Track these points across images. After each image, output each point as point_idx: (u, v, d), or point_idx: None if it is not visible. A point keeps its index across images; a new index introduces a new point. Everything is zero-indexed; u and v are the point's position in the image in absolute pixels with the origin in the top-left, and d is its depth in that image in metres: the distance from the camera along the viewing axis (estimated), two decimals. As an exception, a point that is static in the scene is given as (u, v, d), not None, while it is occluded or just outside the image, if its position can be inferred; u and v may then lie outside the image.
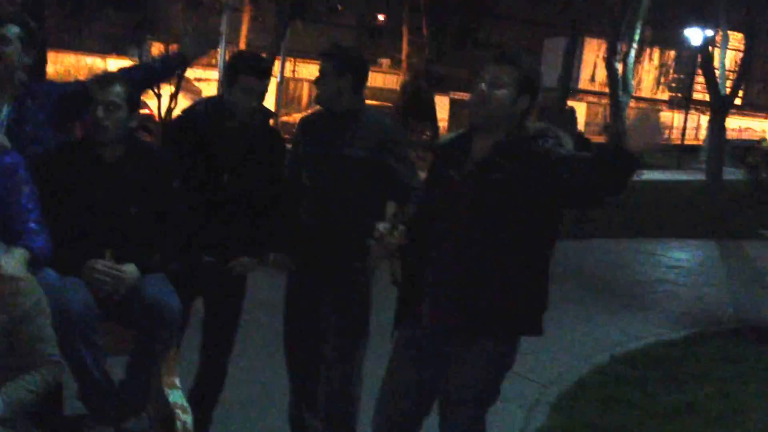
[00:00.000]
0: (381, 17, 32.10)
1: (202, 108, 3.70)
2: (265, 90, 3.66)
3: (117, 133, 3.27)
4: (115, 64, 27.49)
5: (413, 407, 3.11)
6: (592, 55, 34.47)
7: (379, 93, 25.79)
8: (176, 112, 6.46)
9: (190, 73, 24.18)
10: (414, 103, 24.12)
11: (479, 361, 2.93)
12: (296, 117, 12.80)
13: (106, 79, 3.38)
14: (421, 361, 3.04)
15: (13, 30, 3.47)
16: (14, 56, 3.45)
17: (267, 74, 3.65)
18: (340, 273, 3.68)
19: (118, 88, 3.28)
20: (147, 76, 3.85)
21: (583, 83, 38.13)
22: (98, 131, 3.25)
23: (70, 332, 2.97)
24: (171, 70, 3.97)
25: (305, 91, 32.41)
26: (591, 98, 38.38)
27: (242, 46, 25.20)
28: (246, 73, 3.52)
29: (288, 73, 30.34)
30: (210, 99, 3.89)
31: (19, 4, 14.05)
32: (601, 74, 27.24)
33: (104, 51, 28.07)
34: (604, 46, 23.24)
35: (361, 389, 3.80)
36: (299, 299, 3.84)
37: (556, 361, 5.84)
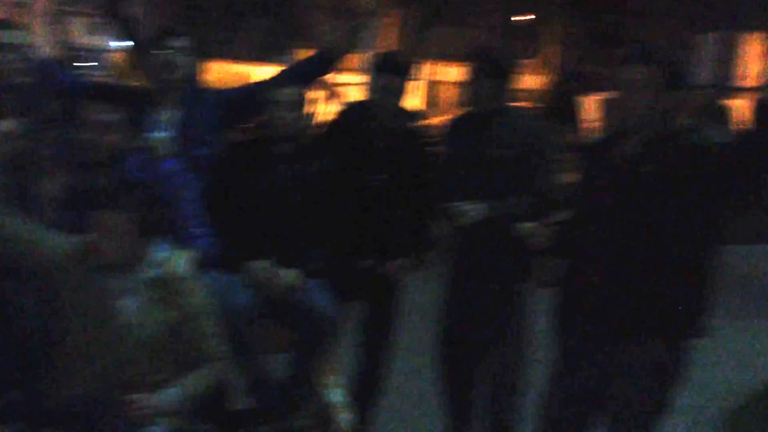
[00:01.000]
0: (526, 17, 31.55)
1: (350, 111, 3.74)
2: (404, 88, 3.67)
3: (291, 130, 3.41)
4: (261, 71, 28.46)
5: (577, 417, 3.01)
6: (749, 50, 32.64)
7: (525, 94, 25.46)
8: (324, 116, 6.56)
9: (335, 77, 24.63)
10: (559, 104, 23.64)
11: (645, 370, 2.81)
12: (437, 120, 12.74)
13: (277, 80, 3.51)
14: (585, 369, 2.94)
15: (180, 41, 3.67)
16: (181, 65, 3.62)
17: (405, 71, 3.66)
18: (497, 277, 3.63)
19: (290, 89, 3.45)
20: (298, 79, 3.95)
21: (741, 80, 36.13)
22: (274, 129, 3.40)
23: (235, 330, 3.06)
24: (316, 73, 4.04)
25: (447, 94, 32.35)
26: (747, 95, 36.35)
27: (383, 48, 25.52)
28: (385, 71, 3.55)
29: (429, 76, 30.41)
30: (356, 102, 3.93)
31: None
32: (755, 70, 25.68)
33: (251, 58, 29.09)
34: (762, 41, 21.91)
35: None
36: (460, 306, 3.80)
37: (725, 373, 5.54)
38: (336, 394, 3.34)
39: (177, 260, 2.87)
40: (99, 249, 2.70)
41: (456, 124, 3.85)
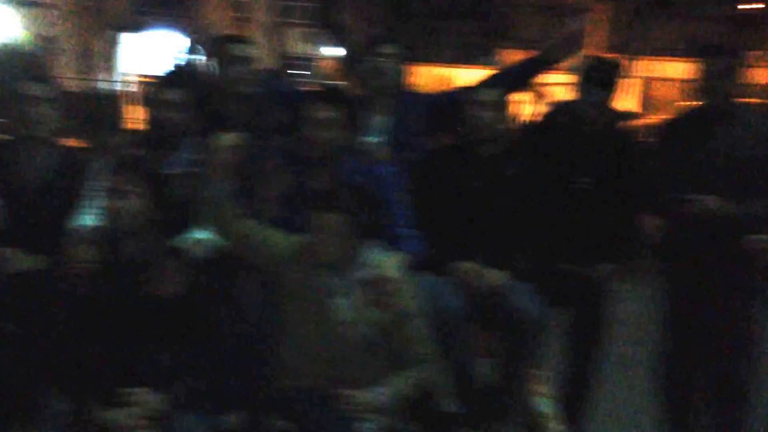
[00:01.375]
0: (752, 6, 29.27)
1: (557, 113, 3.66)
2: (611, 96, 3.57)
3: (493, 131, 3.41)
4: (466, 74, 28.58)
5: None
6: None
7: (755, 89, 23.76)
8: (530, 117, 6.48)
9: (542, 77, 24.18)
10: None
11: None
12: (654, 118, 12.21)
13: (488, 83, 3.51)
14: None
15: (390, 48, 3.77)
16: (391, 71, 3.72)
17: (613, 81, 3.56)
18: (723, 293, 3.40)
19: (494, 91, 3.43)
20: (511, 81, 3.91)
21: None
22: (476, 130, 3.41)
23: (445, 333, 3.07)
24: (531, 75, 3.98)
25: (663, 91, 30.80)
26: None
27: (595, 47, 24.79)
28: (592, 81, 3.49)
29: (644, 72, 29.11)
30: (563, 103, 3.84)
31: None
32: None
33: (456, 61, 29.29)
34: None
35: None
36: (681, 322, 3.60)
37: None
38: (544, 403, 3.27)
39: (388, 262, 2.93)
40: (316, 248, 2.80)
41: (678, 122, 3.67)
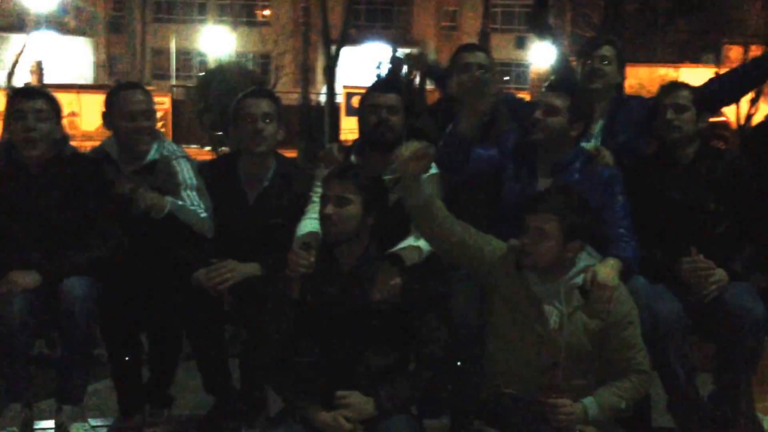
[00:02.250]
0: None
1: None
2: None
3: (688, 133, 3.32)
4: (688, 73, 27.13)
5: None
6: None
7: None
8: (757, 118, 6.06)
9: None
10: None
11: None
12: None
13: (706, 86, 3.38)
14: None
15: (610, 49, 3.73)
16: (608, 73, 3.67)
17: None
18: None
19: (686, 92, 3.36)
20: (743, 83, 3.72)
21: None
22: (672, 131, 3.31)
23: (660, 342, 2.95)
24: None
25: None
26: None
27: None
28: None
29: None
30: None
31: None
32: None
33: (676, 60, 27.88)
34: None
35: None
36: None
37: None
38: (772, 420, 3.05)
39: (604, 268, 2.86)
40: (528, 252, 2.79)
41: None
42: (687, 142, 3.33)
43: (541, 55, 25.65)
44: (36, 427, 3.32)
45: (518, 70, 31.94)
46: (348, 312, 2.75)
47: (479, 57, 3.79)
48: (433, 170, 3.19)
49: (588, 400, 2.76)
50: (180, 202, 3.31)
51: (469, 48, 3.94)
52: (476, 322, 2.98)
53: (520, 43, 29.40)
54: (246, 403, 3.46)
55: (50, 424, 3.32)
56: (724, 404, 3.13)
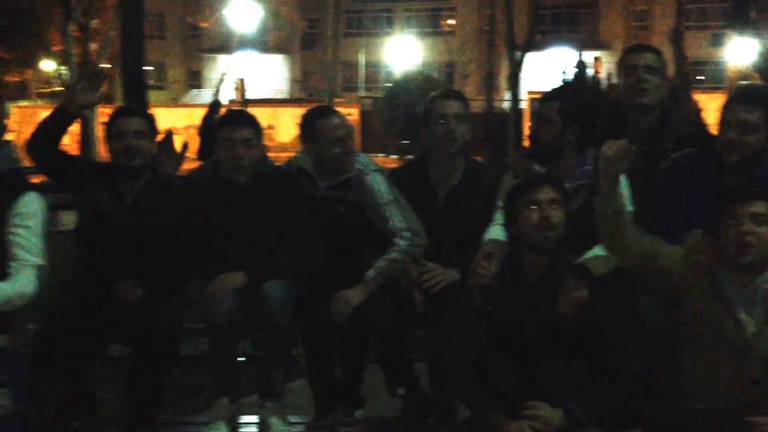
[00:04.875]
0: None
1: None
2: None
3: (749, 153, 3.07)
4: None
5: None
6: None
7: None
8: None
9: None
10: None
11: None
12: None
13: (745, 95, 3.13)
14: None
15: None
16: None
17: None
18: None
19: (756, 109, 3.08)
20: None
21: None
22: (733, 151, 3.08)
23: None
24: None
25: None
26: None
27: None
28: None
29: None
30: None
31: None
32: None
33: None
34: None
35: None
36: None
37: None
38: None
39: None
40: (752, 243, 2.64)
41: None
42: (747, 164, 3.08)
43: (739, 52, 24.24)
44: (240, 420, 3.54)
45: (715, 68, 30.29)
46: (535, 324, 2.74)
47: (646, 58, 3.65)
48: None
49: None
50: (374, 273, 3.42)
51: (635, 49, 3.80)
52: (669, 333, 2.89)
53: (716, 41, 27.85)
54: (435, 408, 3.54)
55: (253, 419, 3.53)
56: None
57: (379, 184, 3.56)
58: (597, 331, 2.73)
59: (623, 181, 2.93)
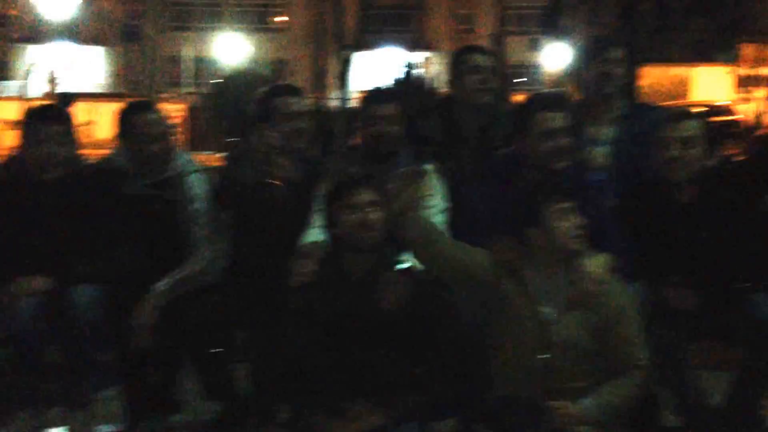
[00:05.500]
0: None
1: None
2: None
3: (691, 171, 3.14)
4: (705, 72, 26.91)
5: None
6: None
7: None
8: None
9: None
10: None
11: None
12: None
13: (680, 114, 3.31)
14: None
15: (615, 51, 3.65)
16: (617, 76, 3.63)
17: None
18: None
19: (693, 123, 3.19)
20: None
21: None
22: (671, 169, 3.16)
23: (665, 341, 2.94)
24: None
25: None
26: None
27: None
28: None
29: None
30: None
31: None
32: None
33: (690, 60, 27.68)
34: None
35: None
36: None
37: None
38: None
39: (595, 263, 2.84)
40: (510, 251, 2.80)
41: None
42: (689, 182, 3.15)
43: (553, 57, 25.69)
44: (46, 434, 3.34)
45: (532, 72, 31.81)
46: (357, 321, 2.75)
47: (478, 59, 3.76)
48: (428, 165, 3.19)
49: (587, 401, 2.74)
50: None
51: (473, 49, 3.92)
52: (483, 326, 2.97)
53: (534, 45, 29.32)
54: (255, 411, 3.47)
55: (60, 431, 3.33)
56: (738, 410, 3.09)
57: (196, 187, 3.46)
58: (417, 327, 2.77)
59: (435, 179, 2.98)
